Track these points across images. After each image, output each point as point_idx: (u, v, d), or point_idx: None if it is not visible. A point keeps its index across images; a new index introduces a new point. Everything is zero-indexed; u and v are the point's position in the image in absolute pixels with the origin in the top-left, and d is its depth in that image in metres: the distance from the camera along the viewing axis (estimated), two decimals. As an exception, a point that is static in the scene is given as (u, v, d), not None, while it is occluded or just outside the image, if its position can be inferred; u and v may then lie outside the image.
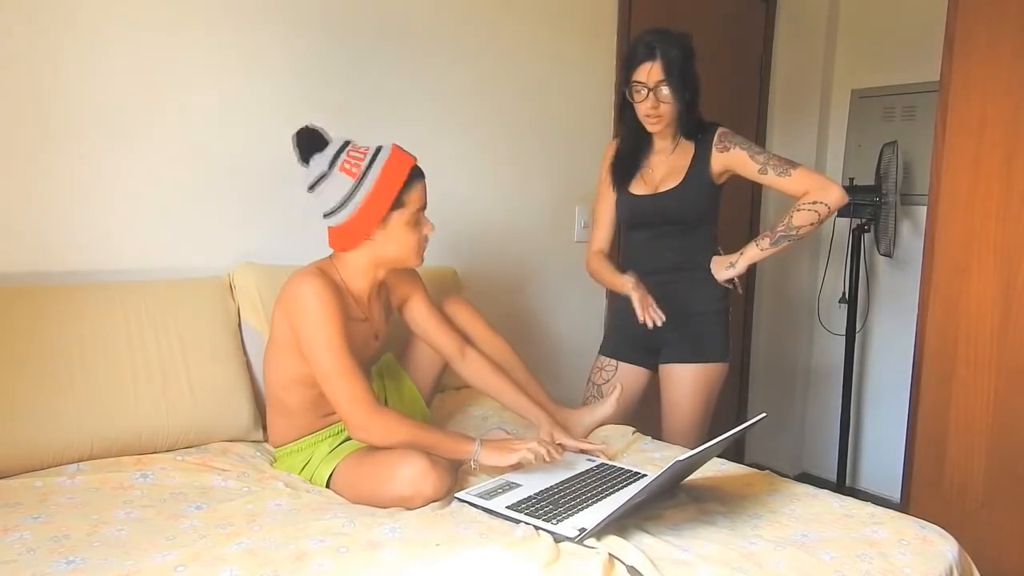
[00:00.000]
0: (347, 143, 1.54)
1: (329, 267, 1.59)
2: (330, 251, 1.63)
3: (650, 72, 1.84)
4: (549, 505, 1.37)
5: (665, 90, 1.84)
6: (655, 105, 1.87)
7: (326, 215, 1.54)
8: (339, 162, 1.51)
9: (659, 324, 1.84)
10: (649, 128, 1.94)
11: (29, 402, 1.47)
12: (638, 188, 2.02)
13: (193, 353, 1.67)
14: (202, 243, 1.91)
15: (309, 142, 1.54)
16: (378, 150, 1.53)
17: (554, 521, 1.29)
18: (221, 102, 1.91)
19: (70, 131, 1.70)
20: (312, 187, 1.54)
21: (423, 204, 1.57)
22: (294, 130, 1.99)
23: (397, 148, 1.55)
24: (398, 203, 1.51)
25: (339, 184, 1.50)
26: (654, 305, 1.85)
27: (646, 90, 1.86)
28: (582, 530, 1.24)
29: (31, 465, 1.46)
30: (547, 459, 1.51)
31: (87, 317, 1.59)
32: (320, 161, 1.52)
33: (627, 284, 1.92)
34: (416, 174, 1.54)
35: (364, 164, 1.50)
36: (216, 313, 1.76)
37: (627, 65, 1.90)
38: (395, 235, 1.54)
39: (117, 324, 1.61)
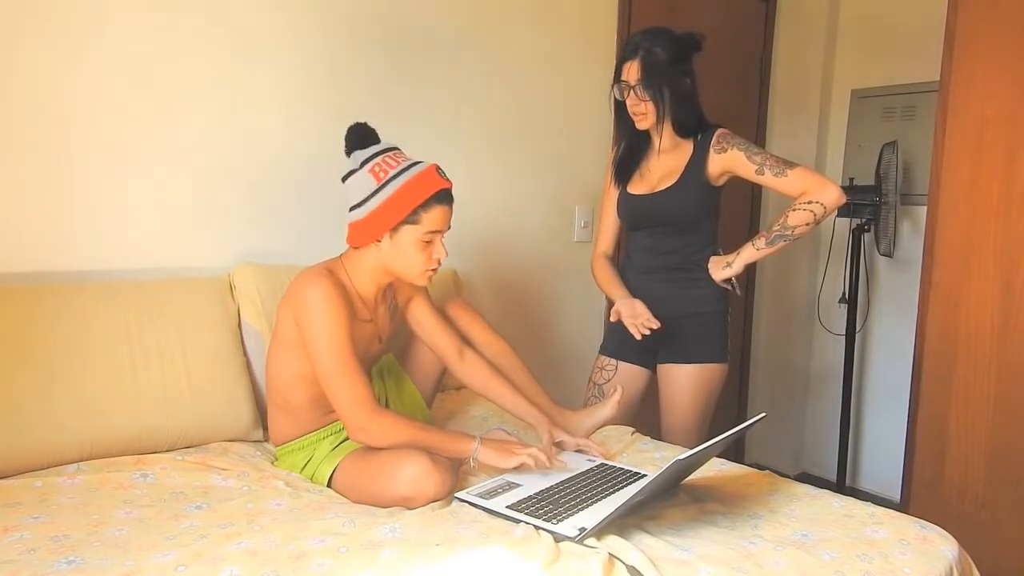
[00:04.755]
0: (391, 149, 1.57)
1: (337, 267, 1.60)
2: (334, 254, 1.65)
3: (629, 71, 1.88)
4: (549, 505, 1.37)
5: (643, 89, 1.86)
6: (636, 103, 1.90)
7: (349, 208, 1.57)
8: (372, 163, 1.53)
9: (645, 333, 1.86)
10: (637, 125, 1.96)
11: (29, 402, 1.47)
12: (636, 188, 2.03)
13: (193, 353, 1.67)
14: (202, 243, 1.91)
15: (358, 137, 1.58)
16: (414, 164, 1.54)
17: (554, 521, 1.30)
18: (222, 102, 1.90)
19: (69, 130, 1.70)
20: (344, 178, 1.58)
21: (441, 228, 1.55)
22: (295, 130, 2.00)
23: (434, 168, 1.55)
24: (413, 218, 1.52)
25: (363, 182, 1.53)
26: (646, 316, 1.87)
27: (628, 88, 1.89)
28: (582, 530, 1.25)
29: (31, 465, 1.46)
30: (548, 465, 1.53)
31: (87, 317, 1.59)
32: (358, 157, 1.56)
33: (615, 313, 1.93)
34: (442, 198, 1.54)
35: (393, 172, 1.52)
36: (216, 313, 1.76)
37: (617, 63, 1.94)
38: (402, 248, 1.54)
39: (117, 324, 1.61)
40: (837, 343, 3.25)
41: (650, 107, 1.90)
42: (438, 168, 1.56)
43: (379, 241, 1.55)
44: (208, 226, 1.92)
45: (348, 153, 1.59)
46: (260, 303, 1.82)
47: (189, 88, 1.85)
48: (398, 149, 1.59)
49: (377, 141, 1.60)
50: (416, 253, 1.55)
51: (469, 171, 2.42)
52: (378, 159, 1.54)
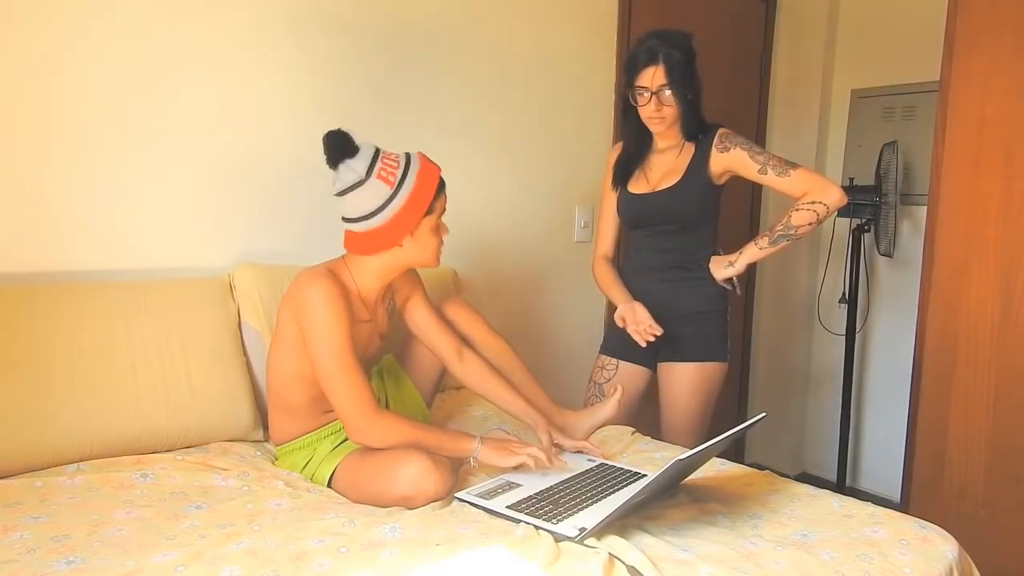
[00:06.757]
0: (378, 150, 1.55)
1: (339, 268, 1.60)
2: (334, 254, 1.64)
3: (653, 76, 1.85)
4: (549, 505, 1.37)
5: (668, 93, 1.86)
6: (658, 108, 1.89)
7: (353, 220, 1.53)
8: (375, 170, 1.51)
9: (650, 339, 1.88)
10: (652, 129, 1.96)
11: (29, 402, 1.47)
12: (637, 187, 2.03)
13: (193, 353, 1.67)
14: (202, 243, 1.91)
15: (339, 145, 1.52)
16: (408, 159, 1.55)
17: (554, 521, 1.30)
18: (222, 102, 1.90)
19: (70, 131, 1.70)
20: (343, 192, 1.53)
21: (444, 210, 1.61)
22: (295, 130, 1.99)
23: (424, 158, 1.57)
24: (428, 211, 1.55)
25: (375, 191, 1.50)
26: (647, 323, 1.88)
27: (649, 93, 1.87)
28: (582, 530, 1.25)
29: (31, 465, 1.46)
30: (548, 464, 1.53)
31: (87, 317, 1.59)
32: (355, 167, 1.51)
33: (619, 319, 1.95)
34: (441, 183, 1.58)
35: (399, 173, 1.52)
36: (216, 313, 1.76)
37: (629, 69, 1.90)
38: (421, 240, 1.57)
39: (117, 324, 1.61)
40: (837, 343, 3.25)
41: (671, 111, 1.89)
42: (425, 156, 1.59)
43: (400, 243, 1.55)
44: (208, 226, 1.92)
45: (334, 164, 1.53)
46: (260, 303, 1.82)
47: (190, 88, 1.85)
48: (380, 147, 1.56)
49: (354, 144, 1.54)
50: (431, 240, 1.60)
51: (469, 171, 2.42)
52: (379, 164, 1.52)
